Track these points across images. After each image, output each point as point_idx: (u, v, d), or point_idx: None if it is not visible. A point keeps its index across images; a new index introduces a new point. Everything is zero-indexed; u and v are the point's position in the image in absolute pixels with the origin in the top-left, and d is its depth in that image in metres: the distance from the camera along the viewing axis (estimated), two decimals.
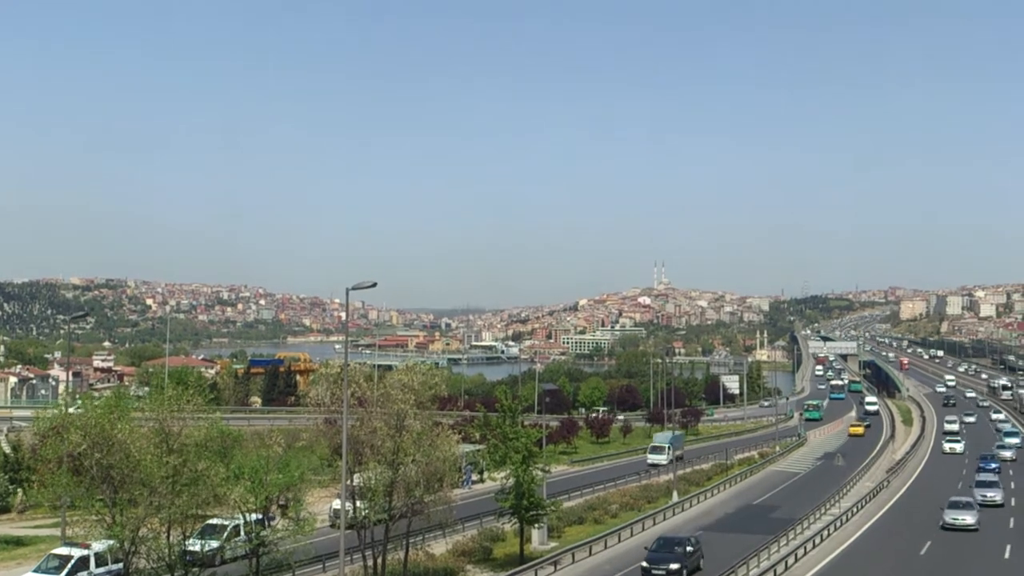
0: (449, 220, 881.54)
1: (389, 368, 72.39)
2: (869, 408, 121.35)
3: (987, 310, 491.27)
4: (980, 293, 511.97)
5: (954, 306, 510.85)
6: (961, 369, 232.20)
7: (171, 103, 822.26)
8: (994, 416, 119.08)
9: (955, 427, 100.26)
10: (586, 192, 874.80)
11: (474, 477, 64.01)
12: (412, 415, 36.30)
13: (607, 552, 41.91)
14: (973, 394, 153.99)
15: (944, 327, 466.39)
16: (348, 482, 33.36)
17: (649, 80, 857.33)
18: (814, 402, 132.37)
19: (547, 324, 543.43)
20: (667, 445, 76.61)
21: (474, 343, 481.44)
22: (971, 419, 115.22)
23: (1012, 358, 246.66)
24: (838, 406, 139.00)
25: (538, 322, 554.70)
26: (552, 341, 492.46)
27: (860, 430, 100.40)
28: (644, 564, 36.20)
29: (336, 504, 42.23)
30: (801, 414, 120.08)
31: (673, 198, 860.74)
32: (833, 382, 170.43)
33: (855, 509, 51.12)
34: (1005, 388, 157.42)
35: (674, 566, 35.61)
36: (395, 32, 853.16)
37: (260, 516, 32.51)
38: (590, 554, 40.99)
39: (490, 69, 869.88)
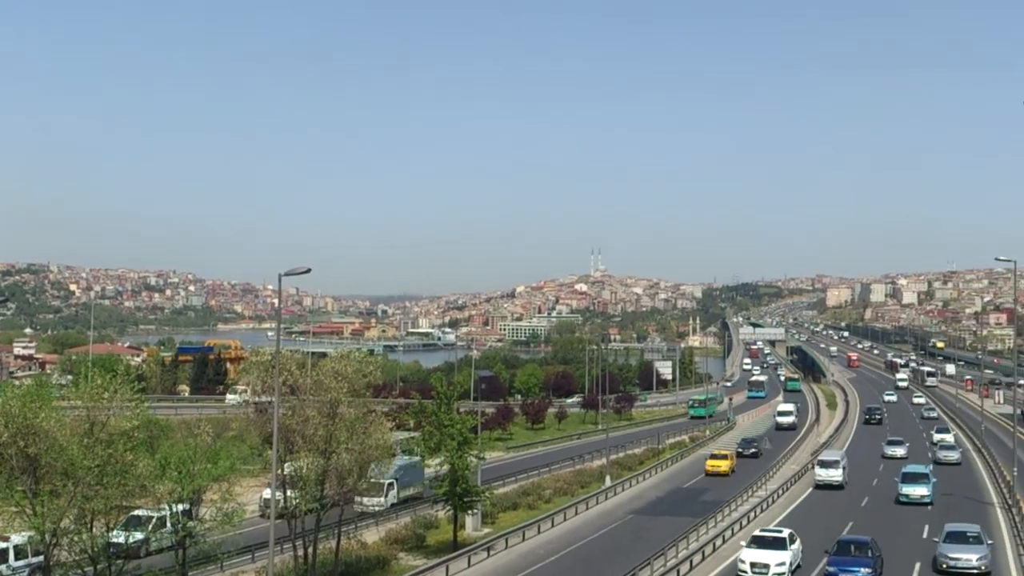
0: (386, 206, 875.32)
1: (323, 355, 71.59)
2: (782, 421, 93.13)
3: (909, 297, 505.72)
4: (903, 281, 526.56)
5: (878, 293, 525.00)
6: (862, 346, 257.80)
7: (98, 82, 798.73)
8: (916, 400, 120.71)
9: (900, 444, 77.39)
10: (524, 179, 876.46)
11: None
12: (345, 403, 36.08)
13: (540, 537, 42.27)
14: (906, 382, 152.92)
15: (868, 314, 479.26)
16: (279, 471, 33.05)
17: (585, 67, 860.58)
18: (707, 398, 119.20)
19: (484, 311, 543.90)
20: None
21: (411, 330, 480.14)
22: (892, 398, 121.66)
23: (933, 343, 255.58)
24: (760, 401, 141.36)
25: (475, 309, 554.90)
26: (489, 328, 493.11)
27: (722, 466, 62.74)
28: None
29: (266, 494, 41.82)
30: (731, 399, 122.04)
31: (610, 186, 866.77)
32: (752, 379, 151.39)
33: (780, 491, 52.32)
34: (904, 367, 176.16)
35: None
36: (320, 17, 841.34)
37: (187, 507, 32.05)
38: (523, 539, 41.29)
39: (427, 55, 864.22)
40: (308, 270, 31.16)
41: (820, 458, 57.73)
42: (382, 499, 46.77)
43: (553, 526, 44.24)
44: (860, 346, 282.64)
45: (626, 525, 45.25)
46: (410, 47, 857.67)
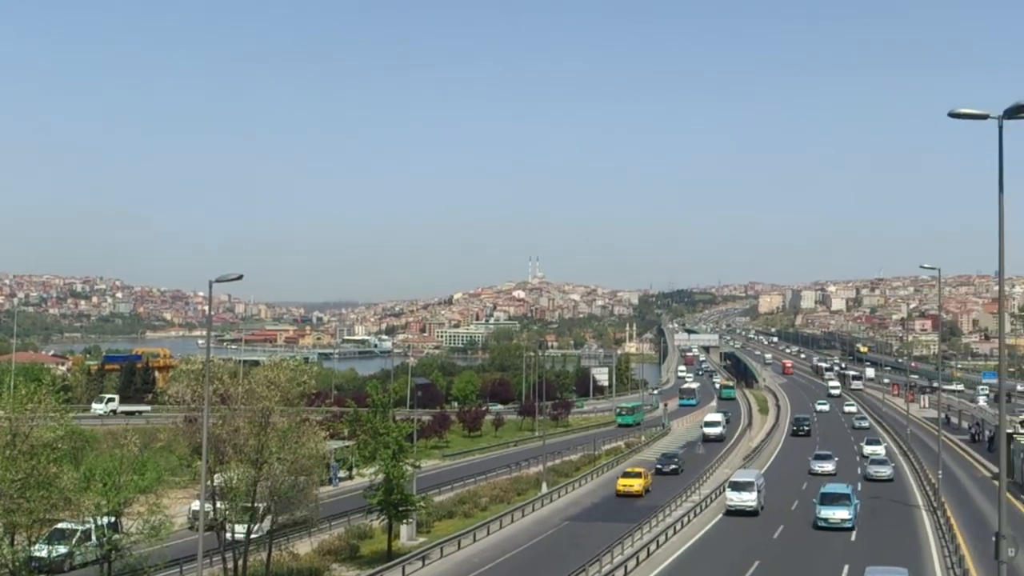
0: (321, 212, 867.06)
1: (256, 364, 70.58)
2: (709, 432, 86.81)
3: (838, 304, 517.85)
4: (832, 288, 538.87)
5: (808, 300, 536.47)
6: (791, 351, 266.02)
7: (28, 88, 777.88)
8: (847, 409, 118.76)
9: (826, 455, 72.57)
10: (462, 185, 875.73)
11: (342, 474, 63.31)
12: (278, 412, 35.65)
13: (476, 545, 42.12)
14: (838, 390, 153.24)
15: (799, 320, 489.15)
16: (208, 482, 32.45)
17: (522, 69, 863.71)
18: (634, 406, 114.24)
19: (421, 318, 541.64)
20: None
21: (346, 337, 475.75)
22: (824, 407, 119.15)
23: (861, 348, 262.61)
24: (692, 408, 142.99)
25: (412, 316, 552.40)
26: (426, 335, 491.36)
27: (635, 485, 56.08)
28: None
29: (195, 505, 41.00)
30: (666, 404, 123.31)
31: (548, 191, 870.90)
32: (684, 386, 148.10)
33: (714, 496, 52.92)
34: (829, 370, 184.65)
35: None
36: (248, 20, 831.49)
37: (113, 519, 31.27)
38: (459, 548, 41.12)
39: (366, 58, 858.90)
40: (240, 276, 30.74)
41: (732, 479, 51.14)
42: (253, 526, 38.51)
43: (489, 534, 44.13)
44: (788, 351, 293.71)
45: (562, 532, 45.34)
46: (345, 48, 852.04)
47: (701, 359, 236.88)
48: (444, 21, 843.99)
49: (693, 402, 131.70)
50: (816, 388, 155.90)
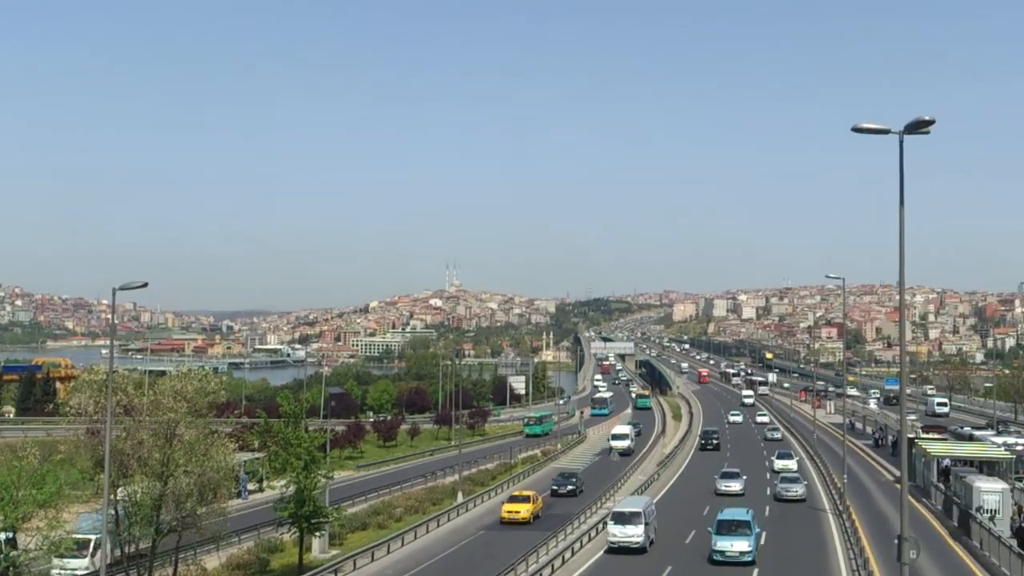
0: (232, 219, 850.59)
1: (162, 374, 68.70)
2: (617, 445, 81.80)
3: (748, 312, 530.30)
4: (743, 297, 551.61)
5: (720, 309, 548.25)
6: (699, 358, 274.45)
7: None
8: (760, 419, 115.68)
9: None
10: (379, 193, 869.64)
11: (252, 486, 62.03)
12: (185, 424, 34.84)
13: (390, 556, 41.66)
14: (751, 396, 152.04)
15: (711, 328, 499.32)
16: (111, 497, 31.43)
17: (452, 78, 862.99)
18: (542, 416, 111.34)
19: (336, 326, 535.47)
20: None
21: (258, 346, 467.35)
22: (738, 418, 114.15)
23: (770, 355, 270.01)
24: (604, 418, 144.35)
25: (327, 324, 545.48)
26: (341, 344, 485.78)
27: (521, 511, 49.60)
28: None
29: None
30: (583, 412, 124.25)
31: (466, 200, 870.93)
32: (596, 396, 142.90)
33: (647, 484, 53.62)
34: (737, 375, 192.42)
35: None
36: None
37: (11, 535, 30.02)
38: (373, 559, 40.60)
39: (283, 62, 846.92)
40: (145, 284, 30.00)
41: (616, 508, 42.84)
42: (85, 561, 36.08)
43: (403, 545, 43.70)
44: (698, 357, 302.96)
45: (477, 541, 45.17)
46: (244, 55, 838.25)
47: (618, 368, 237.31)
48: (356, 24, 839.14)
49: (605, 412, 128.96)
50: (730, 396, 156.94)
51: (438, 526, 48.67)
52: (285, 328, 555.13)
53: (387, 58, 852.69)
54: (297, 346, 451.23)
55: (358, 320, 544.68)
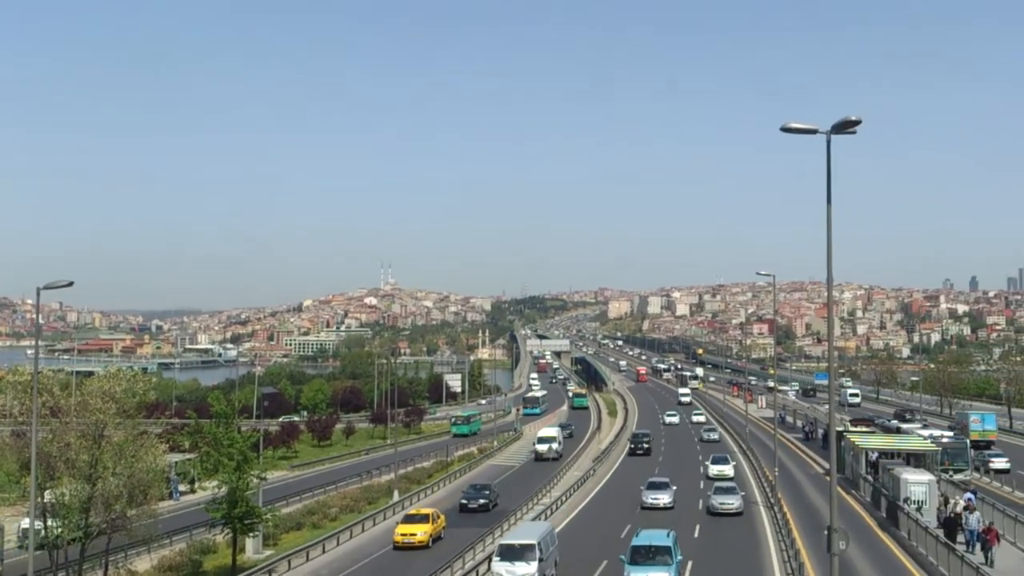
0: (161, 217, 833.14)
1: (90, 375, 67.08)
2: (542, 448, 76.61)
3: (682, 309, 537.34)
4: (676, 294, 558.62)
5: (654, 306, 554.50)
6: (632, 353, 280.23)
7: None
8: (696, 418, 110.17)
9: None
10: (312, 191, 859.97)
11: (183, 488, 60.93)
12: (113, 425, 34.24)
13: (325, 556, 41.29)
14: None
15: (646, 325, 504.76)
16: (38, 499, 30.63)
17: (382, 78, 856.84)
18: (470, 415, 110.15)
19: (269, 325, 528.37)
20: None
21: (188, 346, 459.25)
22: (674, 419, 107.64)
23: (701, 352, 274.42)
24: (552, 399, 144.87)
25: (259, 323, 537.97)
26: (274, 343, 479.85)
27: (418, 534, 42.44)
28: None
29: (25, 523, 38.62)
30: (519, 410, 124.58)
31: (401, 198, 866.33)
32: (528, 395, 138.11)
33: (564, 498, 53.73)
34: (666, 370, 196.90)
35: None
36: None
37: None
38: (307, 559, 40.20)
39: (205, 60, 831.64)
40: (70, 283, 29.26)
41: (504, 540, 35.50)
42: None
43: (339, 544, 43.34)
44: (630, 353, 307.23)
45: None
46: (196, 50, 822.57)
47: (555, 366, 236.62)
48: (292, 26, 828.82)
49: (537, 411, 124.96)
50: (666, 394, 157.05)
51: (374, 525, 48.39)
52: (216, 327, 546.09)
53: (343, 55, 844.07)
54: (229, 346, 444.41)
55: (292, 319, 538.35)
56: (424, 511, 45.02)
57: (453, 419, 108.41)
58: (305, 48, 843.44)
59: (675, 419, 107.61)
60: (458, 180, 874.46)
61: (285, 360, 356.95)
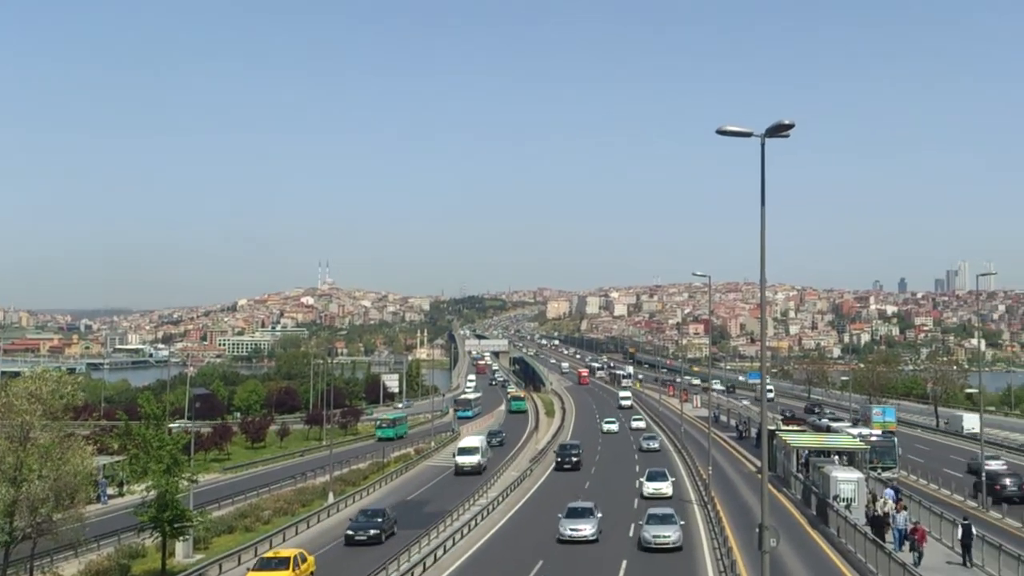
0: (91, 214, 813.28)
1: (16, 375, 65.13)
2: (460, 463, 68.67)
3: (620, 310, 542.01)
4: (615, 294, 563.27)
5: (593, 306, 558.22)
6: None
7: None
8: (636, 424, 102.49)
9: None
10: (247, 190, 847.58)
11: (112, 491, 59.61)
12: (39, 427, 33.46)
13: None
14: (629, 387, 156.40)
15: (584, 325, 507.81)
16: None
17: (318, 73, 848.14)
18: (396, 418, 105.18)
19: (202, 325, 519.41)
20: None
21: (118, 346, 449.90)
22: (612, 427, 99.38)
23: (640, 353, 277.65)
24: (489, 400, 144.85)
25: (192, 323, 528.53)
26: (207, 343, 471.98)
27: None
28: None
29: None
30: (455, 411, 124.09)
31: (338, 197, 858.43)
32: (461, 397, 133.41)
33: (501, 498, 53.72)
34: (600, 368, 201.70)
35: None
36: None
37: None
38: (239, 563, 39.54)
39: (112, 56, 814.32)
40: None
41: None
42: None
43: (271, 547, 42.69)
44: (565, 351, 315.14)
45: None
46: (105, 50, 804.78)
47: (494, 368, 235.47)
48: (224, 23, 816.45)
49: (470, 414, 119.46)
50: (605, 395, 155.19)
51: (308, 527, 47.83)
52: (147, 327, 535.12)
53: (276, 57, 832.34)
54: (160, 346, 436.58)
55: (226, 319, 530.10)
56: (284, 553, 36.28)
57: (378, 422, 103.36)
58: (305, 48, 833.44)
59: (614, 426, 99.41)
60: (395, 180, 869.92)
61: (218, 361, 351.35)
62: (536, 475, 65.72)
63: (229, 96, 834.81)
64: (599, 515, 43.33)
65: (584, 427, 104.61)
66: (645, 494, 53.46)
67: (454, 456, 70.94)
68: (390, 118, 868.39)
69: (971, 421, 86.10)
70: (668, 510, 42.33)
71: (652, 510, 42.45)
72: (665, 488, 54.05)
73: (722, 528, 41.44)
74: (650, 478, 55.16)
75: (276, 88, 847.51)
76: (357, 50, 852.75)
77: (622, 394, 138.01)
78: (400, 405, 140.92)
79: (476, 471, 67.23)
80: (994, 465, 59.10)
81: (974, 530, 34.97)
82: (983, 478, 51.52)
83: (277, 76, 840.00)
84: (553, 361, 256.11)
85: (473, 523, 46.06)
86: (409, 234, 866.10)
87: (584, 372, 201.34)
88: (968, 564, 34.46)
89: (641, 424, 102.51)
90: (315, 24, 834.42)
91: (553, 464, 70.25)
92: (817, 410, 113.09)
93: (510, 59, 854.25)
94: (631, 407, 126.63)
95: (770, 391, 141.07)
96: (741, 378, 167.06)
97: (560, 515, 43.04)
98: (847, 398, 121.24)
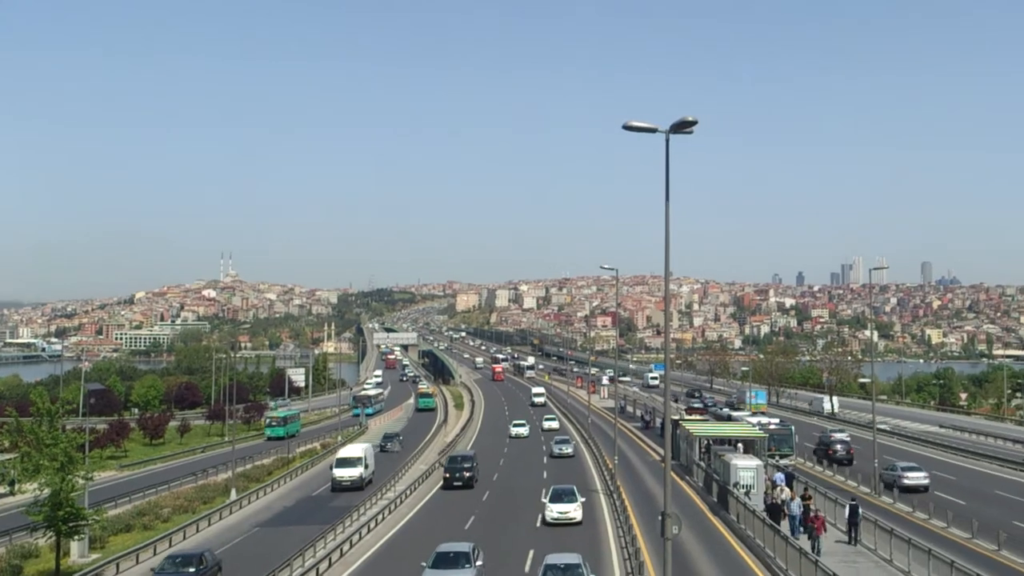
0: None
1: None
2: (337, 476, 57.79)
3: (529, 302, 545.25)
4: (524, 287, 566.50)
5: (503, 299, 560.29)
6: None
7: None
8: (548, 425, 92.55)
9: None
10: (144, 181, 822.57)
11: (2, 490, 57.21)
12: None
13: (157, 558, 39.36)
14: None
15: (494, 318, 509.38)
16: None
17: (225, 63, 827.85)
18: (287, 416, 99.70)
19: (98, 319, 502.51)
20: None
21: (8, 340, 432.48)
22: (522, 430, 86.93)
23: (549, 347, 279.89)
24: (397, 395, 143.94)
25: (87, 317, 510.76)
26: (104, 337, 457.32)
27: None
28: None
29: None
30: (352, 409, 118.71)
31: (243, 188, 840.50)
32: (360, 393, 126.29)
33: (409, 491, 53.42)
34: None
35: None
36: None
37: None
38: (137, 562, 38.43)
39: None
40: None
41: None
42: None
43: (171, 546, 41.61)
44: (472, 344, 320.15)
45: (252, 538, 43.72)
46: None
47: (404, 363, 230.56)
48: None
49: (369, 411, 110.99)
50: (518, 390, 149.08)
51: (209, 525, 46.76)
52: (40, 320, 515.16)
53: (184, 45, 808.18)
54: (53, 340, 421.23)
55: (123, 312, 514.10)
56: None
57: (268, 419, 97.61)
58: (201, 34, 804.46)
59: (523, 429, 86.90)
60: (302, 172, 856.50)
61: (115, 355, 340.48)
62: (421, 493, 54.67)
63: (125, 88, 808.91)
64: (478, 563, 32.49)
65: (494, 422, 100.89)
66: (549, 519, 43.24)
67: (331, 468, 59.61)
68: (297, 109, 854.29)
69: (829, 403, 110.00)
70: (576, 559, 30.32)
71: (549, 560, 30.75)
72: (573, 512, 43.31)
73: (627, 516, 42.04)
74: (555, 498, 44.61)
75: (177, 79, 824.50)
76: (256, 35, 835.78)
77: (535, 390, 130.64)
78: (285, 401, 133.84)
79: (357, 486, 56.87)
80: (837, 436, 71.16)
81: (860, 511, 37.56)
82: (819, 445, 69.33)
83: (177, 64, 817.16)
84: (467, 356, 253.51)
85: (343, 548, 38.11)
86: (316, 226, 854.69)
87: (499, 368, 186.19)
88: (854, 543, 36.95)
89: (554, 424, 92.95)
90: (197, 12, 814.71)
91: (438, 485, 56.93)
92: (696, 394, 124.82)
93: (418, 48, 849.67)
94: (544, 404, 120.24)
95: (655, 379, 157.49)
96: (648, 374, 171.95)
97: (424, 564, 32.29)
98: (735, 386, 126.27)
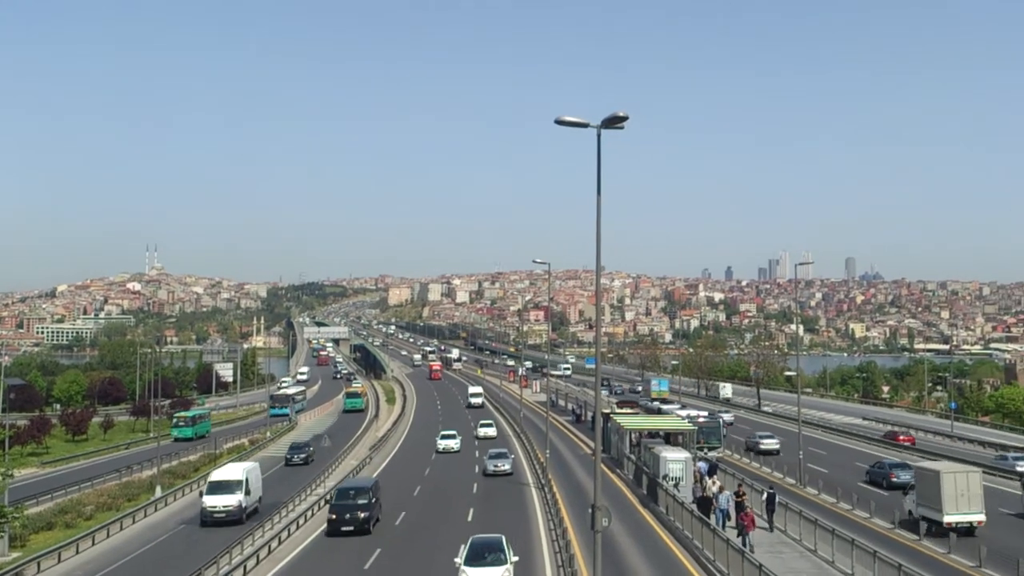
0: None
1: None
2: (207, 505, 44.46)
3: (462, 296, 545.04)
4: (457, 281, 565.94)
5: (435, 293, 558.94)
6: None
7: None
8: (484, 432, 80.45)
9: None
10: (65, 172, 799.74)
11: None
12: None
13: (80, 556, 38.61)
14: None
15: (426, 312, 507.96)
16: None
17: (151, 52, 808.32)
18: (196, 415, 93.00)
19: (18, 312, 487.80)
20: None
21: None
22: (451, 443, 72.60)
23: (481, 341, 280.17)
24: (327, 391, 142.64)
25: (7, 310, 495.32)
26: (24, 331, 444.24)
27: None
28: None
29: None
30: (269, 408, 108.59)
31: (168, 180, 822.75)
32: (277, 392, 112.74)
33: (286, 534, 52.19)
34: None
35: None
36: None
37: None
38: (59, 561, 37.44)
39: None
40: None
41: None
42: None
43: (95, 544, 40.66)
44: (401, 337, 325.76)
45: (177, 536, 42.89)
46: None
47: (338, 360, 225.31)
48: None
49: (285, 411, 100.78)
50: (454, 388, 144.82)
51: (133, 522, 45.78)
52: None
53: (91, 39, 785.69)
54: None
55: (44, 305, 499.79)
56: None
57: (175, 419, 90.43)
58: (128, 22, 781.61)
59: (453, 443, 72.47)
60: (231, 165, 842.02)
61: (36, 349, 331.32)
62: (298, 539, 40.07)
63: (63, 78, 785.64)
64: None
65: (424, 421, 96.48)
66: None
67: (201, 495, 46.65)
68: (227, 97, 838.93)
69: (726, 390, 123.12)
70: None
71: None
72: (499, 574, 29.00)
73: (558, 509, 42.30)
74: (475, 555, 29.86)
75: (114, 68, 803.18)
76: (187, 25, 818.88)
77: (472, 390, 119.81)
78: (200, 400, 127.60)
79: (234, 518, 44.02)
80: (726, 417, 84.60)
81: (777, 498, 39.84)
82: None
83: (102, 55, 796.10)
84: (404, 353, 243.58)
85: None
86: (245, 218, 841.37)
87: (436, 365, 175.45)
88: (771, 528, 38.78)
89: (491, 431, 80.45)
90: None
91: (323, 527, 41.84)
92: (605, 382, 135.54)
93: (356, 41, 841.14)
94: (482, 406, 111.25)
95: (567, 368, 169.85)
96: (561, 364, 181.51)
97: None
98: (677, 380, 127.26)
